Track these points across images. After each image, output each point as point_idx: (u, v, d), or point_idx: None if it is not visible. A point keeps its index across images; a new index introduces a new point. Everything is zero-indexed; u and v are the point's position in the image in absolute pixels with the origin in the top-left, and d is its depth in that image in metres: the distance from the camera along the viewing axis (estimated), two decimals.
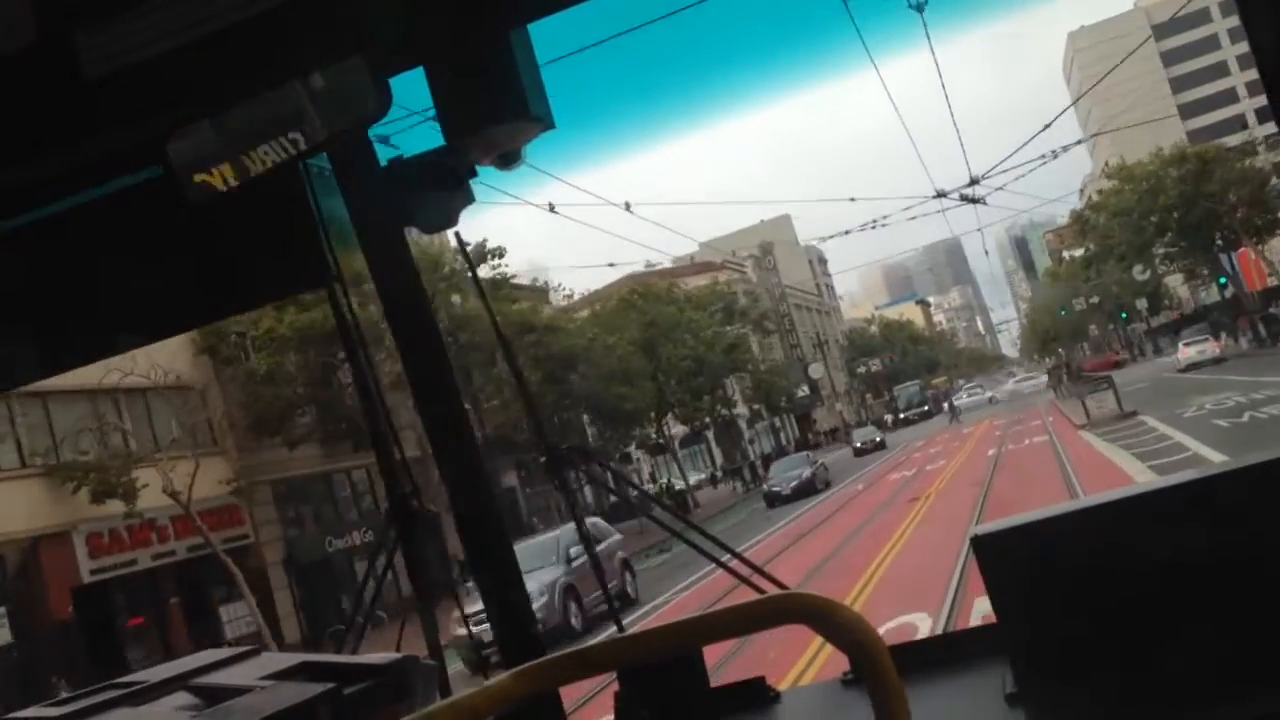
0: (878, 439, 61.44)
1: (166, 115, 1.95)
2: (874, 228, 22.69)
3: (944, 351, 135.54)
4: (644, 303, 53.52)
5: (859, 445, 60.91)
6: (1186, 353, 49.58)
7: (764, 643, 8.48)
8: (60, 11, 1.94)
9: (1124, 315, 77.55)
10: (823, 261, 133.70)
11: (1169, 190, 52.31)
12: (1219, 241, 53.70)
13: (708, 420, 58.76)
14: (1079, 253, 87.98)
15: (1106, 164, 66.83)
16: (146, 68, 1.93)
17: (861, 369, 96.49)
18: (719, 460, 70.07)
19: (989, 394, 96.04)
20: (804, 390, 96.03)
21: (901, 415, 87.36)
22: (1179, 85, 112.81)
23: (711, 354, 52.80)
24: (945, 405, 78.65)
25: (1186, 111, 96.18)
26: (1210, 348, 48.78)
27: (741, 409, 66.73)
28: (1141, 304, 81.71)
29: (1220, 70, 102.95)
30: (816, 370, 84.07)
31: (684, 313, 54.92)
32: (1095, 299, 78.65)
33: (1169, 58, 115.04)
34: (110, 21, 1.93)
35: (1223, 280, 58.24)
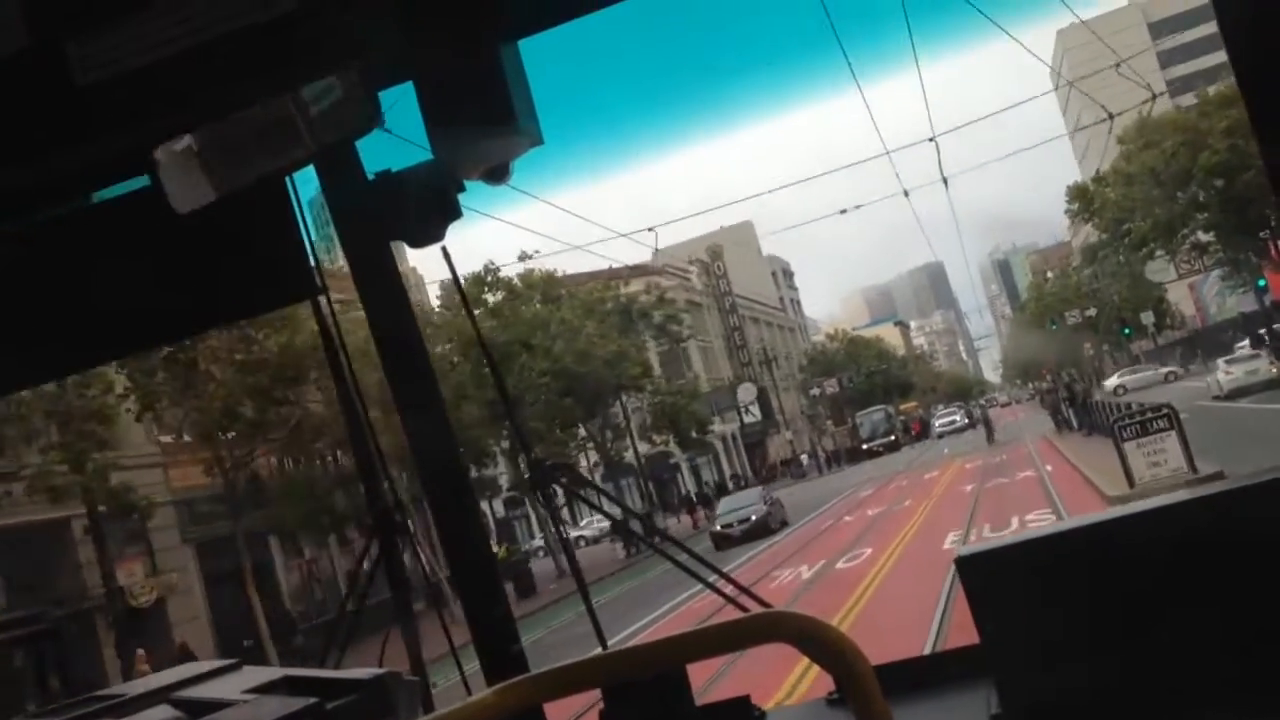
0: (753, 517, 37.04)
1: (156, 124, 2.00)
2: None
3: (920, 373, 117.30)
4: (495, 299, 35.81)
5: (719, 529, 37.28)
6: (1230, 373, 37.38)
7: (750, 661, 6.84)
8: (52, 18, 1.97)
9: (1127, 331, 59.99)
10: (788, 274, 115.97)
11: (1216, 146, 34.25)
12: (1275, 223, 35.91)
13: (575, 456, 40.66)
14: (1076, 267, 70.83)
15: (1096, 174, 49.11)
16: (137, 77, 1.96)
17: (815, 391, 78.01)
18: (653, 498, 52.38)
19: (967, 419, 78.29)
20: (753, 414, 77.64)
21: (865, 446, 69.47)
22: (1178, 89, 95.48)
23: (585, 367, 34.87)
24: (980, 423, 68.26)
25: None
26: (1264, 367, 37.17)
27: (652, 443, 48.31)
28: (1148, 318, 63.27)
29: (1224, 72, 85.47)
30: (748, 392, 65.87)
31: (556, 313, 36.85)
32: (1091, 311, 61.35)
33: (1166, 59, 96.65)
34: (102, 29, 1.96)
35: (1261, 282, 40.45)
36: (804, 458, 79.27)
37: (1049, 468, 30.20)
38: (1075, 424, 40.91)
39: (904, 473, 47.44)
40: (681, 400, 53.19)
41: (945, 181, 18.33)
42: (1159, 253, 51.25)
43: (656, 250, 56.98)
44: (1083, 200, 54.36)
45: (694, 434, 54.14)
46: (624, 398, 46.13)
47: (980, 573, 1.97)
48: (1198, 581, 1.87)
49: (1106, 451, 26.71)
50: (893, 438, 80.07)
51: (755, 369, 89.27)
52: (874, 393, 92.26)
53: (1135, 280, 68.02)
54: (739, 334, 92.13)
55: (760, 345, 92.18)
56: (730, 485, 71.90)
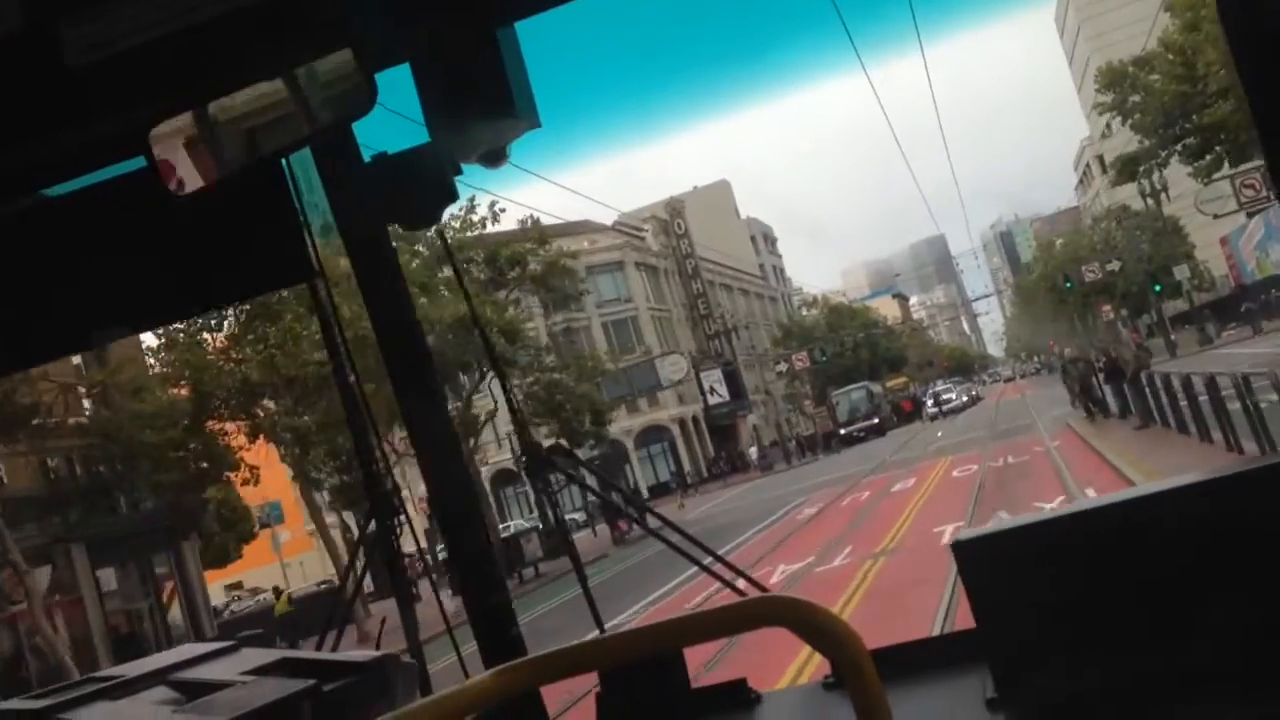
0: None
1: (150, 107, 1.97)
2: None
3: (915, 345, 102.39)
4: None
5: None
6: None
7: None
8: (45, 0, 1.98)
9: (1158, 288, 45.66)
10: (770, 239, 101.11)
11: None
12: None
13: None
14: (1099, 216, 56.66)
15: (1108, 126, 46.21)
16: (131, 58, 1.96)
17: (782, 366, 63.52)
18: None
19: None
20: (719, 396, 64.44)
21: (842, 430, 54.73)
22: None
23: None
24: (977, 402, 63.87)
25: None
26: None
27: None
28: (1182, 272, 48.33)
29: None
30: (675, 366, 51.67)
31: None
32: (1114, 265, 47.15)
33: None
34: (95, 10, 1.96)
35: None
36: (752, 451, 64.94)
37: (1093, 494, 15.65)
38: (1115, 408, 26.37)
39: (873, 475, 34.59)
40: (567, 379, 38.59)
41: None
42: (1226, 162, 36.32)
43: (627, 214, 43.32)
44: (1119, 88, 39.26)
45: (587, 425, 39.67)
46: (483, 376, 31.82)
47: (977, 557, 1.99)
48: (1197, 567, 1.89)
49: (1191, 455, 16.66)
50: (875, 420, 66.40)
51: (723, 342, 74.58)
52: (859, 368, 78.00)
53: (1161, 232, 54.04)
54: (704, 301, 77.35)
55: (725, 314, 77.68)
56: (687, 478, 57.47)
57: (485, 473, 45.13)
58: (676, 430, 72.37)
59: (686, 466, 70.22)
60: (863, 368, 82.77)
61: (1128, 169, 48.84)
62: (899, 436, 59.70)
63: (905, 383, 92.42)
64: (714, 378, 72.63)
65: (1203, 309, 62.68)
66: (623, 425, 66.78)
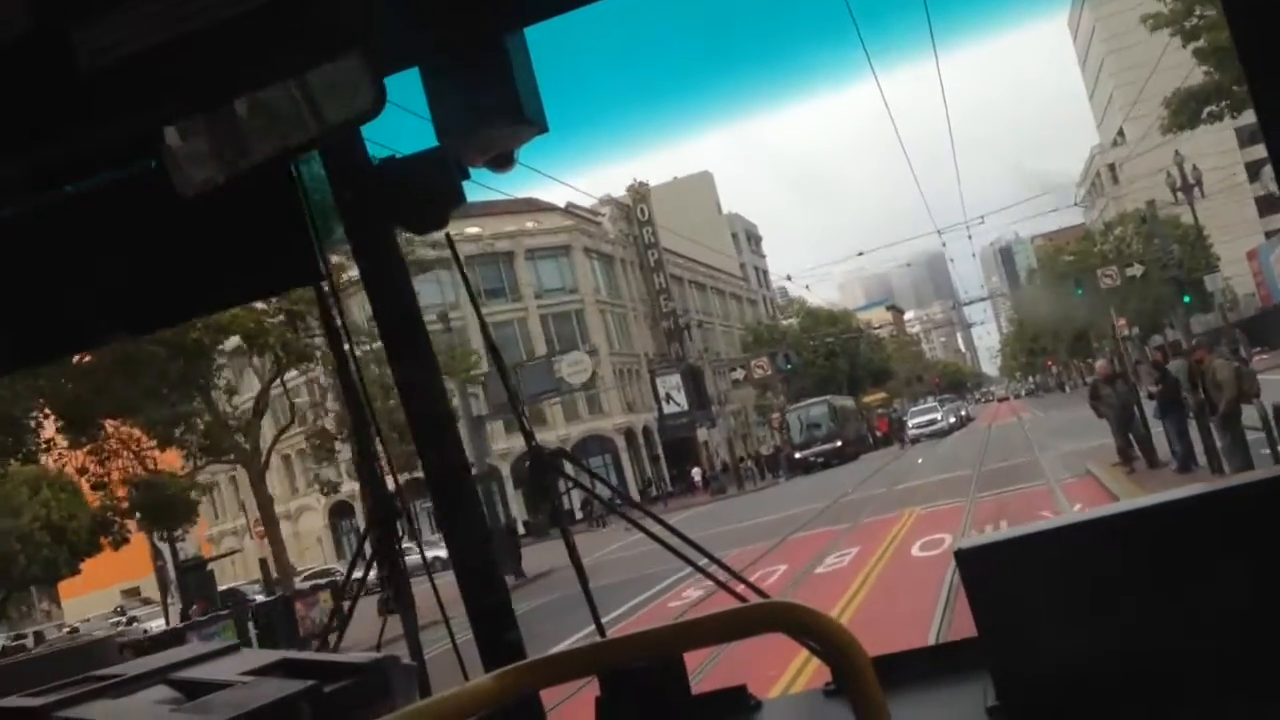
0: None
1: (160, 109, 2.00)
2: None
3: (905, 359, 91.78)
4: None
5: None
6: None
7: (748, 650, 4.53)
8: (56, 4, 2.01)
9: (1187, 299, 46.96)
10: (754, 238, 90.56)
11: None
12: None
13: None
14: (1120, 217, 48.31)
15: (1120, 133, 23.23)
16: (141, 61, 1.98)
17: (738, 374, 53.31)
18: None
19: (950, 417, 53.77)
20: (677, 404, 54.94)
21: (797, 454, 42.95)
22: None
23: None
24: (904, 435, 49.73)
25: None
26: None
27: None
28: (1214, 282, 49.92)
29: None
30: (580, 368, 40.58)
31: None
32: (1136, 270, 35.55)
33: None
34: (105, 13, 1.98)
35: None
36: (695, 472, 54.81)
37: None
38: (1173, 453, 15.83)
39: (807, 530, 25.58)
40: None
41: None
42: None
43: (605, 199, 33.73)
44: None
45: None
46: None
47: (979, 566, 1.97)
48: (1196, 578, 1.89)
49: None
50: (838, 443, 54.54)
51: (682, 343, 64.22)
52: (835, 378, 67.52)
53: (1184, 239, 45.43)
54: (666, 298, 66.84)
55: (689, 312, 67.30)
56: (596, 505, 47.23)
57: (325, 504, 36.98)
58: (622, 442, 62.42)
59: (632, 485, 60.31)
60: (840, 379, 75.13)
61: (1187, 109, 35.69)
62: (870, 463, 52.17)
63: (886, 399, 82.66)
64: (671, 383, 62.63)
65: (1234, 327, 53.10)
66: (557, 433, 57.33)
